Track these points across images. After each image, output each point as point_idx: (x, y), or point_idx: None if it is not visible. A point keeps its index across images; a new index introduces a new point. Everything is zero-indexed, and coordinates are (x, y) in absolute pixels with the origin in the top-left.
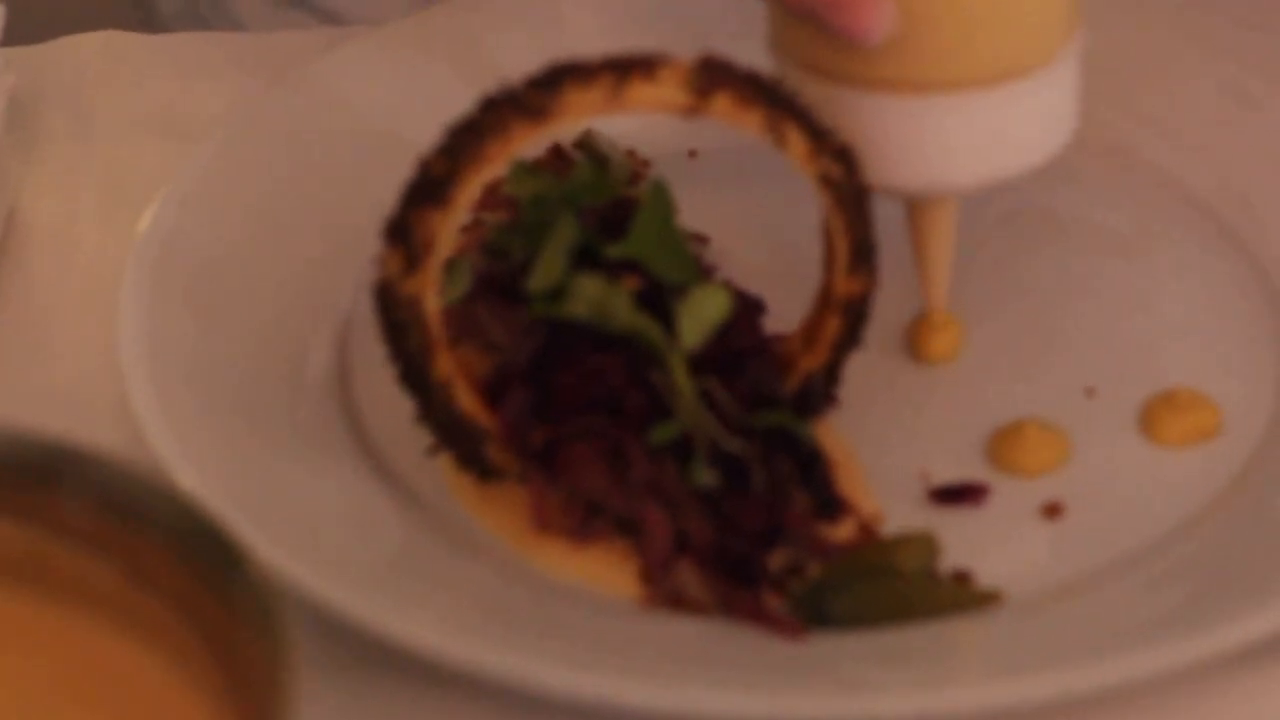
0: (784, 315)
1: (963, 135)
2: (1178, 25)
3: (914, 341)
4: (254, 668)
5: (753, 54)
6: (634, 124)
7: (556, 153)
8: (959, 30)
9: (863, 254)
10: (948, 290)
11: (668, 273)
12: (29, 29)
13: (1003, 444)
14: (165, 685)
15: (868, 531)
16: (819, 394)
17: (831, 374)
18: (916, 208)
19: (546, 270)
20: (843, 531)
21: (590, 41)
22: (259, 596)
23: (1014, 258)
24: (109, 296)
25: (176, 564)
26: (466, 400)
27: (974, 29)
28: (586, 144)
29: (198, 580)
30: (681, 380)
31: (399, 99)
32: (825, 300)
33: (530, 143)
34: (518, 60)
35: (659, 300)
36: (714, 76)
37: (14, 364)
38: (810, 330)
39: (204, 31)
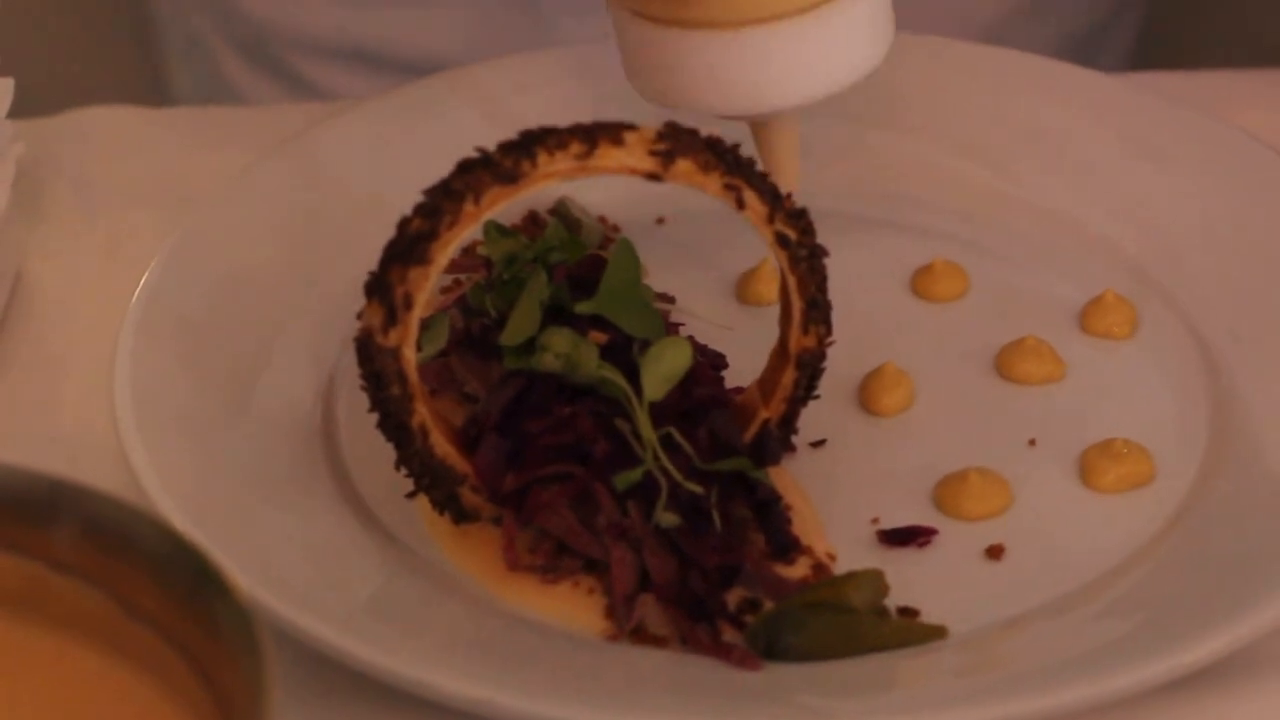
0: (746, 371)
1: (783, 60)
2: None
3: (867, 394)
4: (236, 692)
5: (715, 123)
6: (606, 193)
7: (532, 219)
8: None
9: (816, 311)
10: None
11: (633, 328)
12: (41, 101)
13: (948, 490)
14: (153, 708)
15: (821, 571)
16: (776, 442)
17: (788, 423)
18: (760, 126)
19: (519, 325)
20: (797, 571)
21: (558, 113)
22: (241, 625)
23: (960, 320)
24: (109, 352)
25: (164, 595)
26: (443, 447)
27: None
28: (561, 210)
29: (184, 610)
30: (645, 429)
31: (380, 167)
32: (781, 354)
33: (504, 205)
34: (490, 130)
35: (625, 354)
36: (677, 143)
37: (21, 415)
38: (768, 383)
39: (200, 107)
